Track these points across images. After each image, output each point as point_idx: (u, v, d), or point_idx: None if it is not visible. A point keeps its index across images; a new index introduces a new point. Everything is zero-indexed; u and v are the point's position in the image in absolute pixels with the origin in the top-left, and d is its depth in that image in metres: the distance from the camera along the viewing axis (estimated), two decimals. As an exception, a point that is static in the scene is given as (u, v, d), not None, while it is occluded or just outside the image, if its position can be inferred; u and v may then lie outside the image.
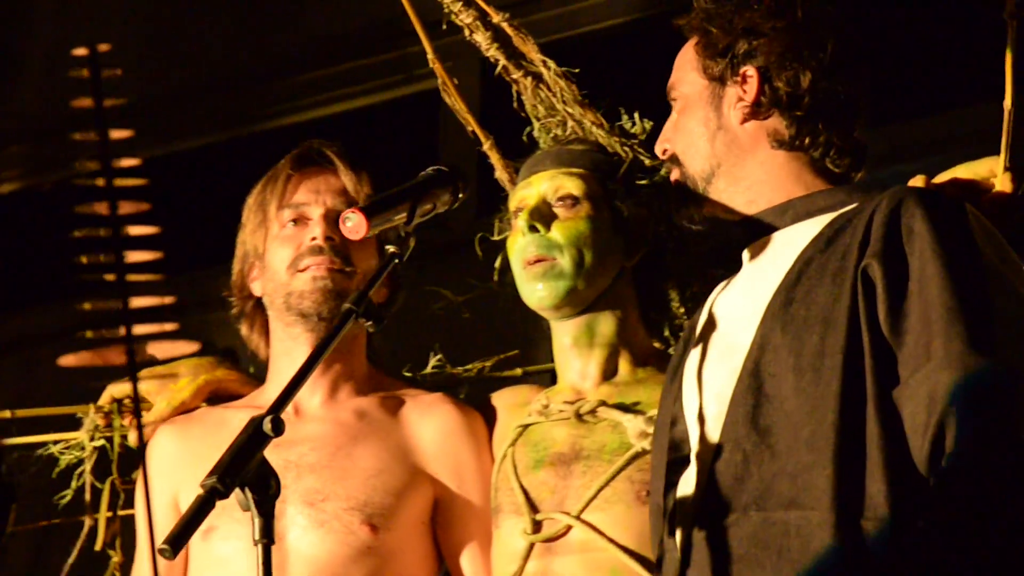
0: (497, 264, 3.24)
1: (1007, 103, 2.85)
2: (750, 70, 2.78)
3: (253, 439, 2.43)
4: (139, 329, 2.10)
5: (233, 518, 3.02)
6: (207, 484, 2.37)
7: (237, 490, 2.41)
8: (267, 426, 2.44)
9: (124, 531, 3.39)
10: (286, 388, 2.52)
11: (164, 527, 3.26)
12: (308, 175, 3.31)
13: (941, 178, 2.83)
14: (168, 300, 2.12)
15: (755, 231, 2.78)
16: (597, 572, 2.98)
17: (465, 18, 3.37)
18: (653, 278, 3.19)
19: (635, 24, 4.76)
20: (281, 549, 3.14)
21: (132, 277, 2.08)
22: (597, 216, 3.11)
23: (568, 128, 3.30)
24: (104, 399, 3.40)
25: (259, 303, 3.35)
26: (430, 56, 3.40)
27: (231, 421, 3.26)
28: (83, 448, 3.42)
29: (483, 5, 3.36)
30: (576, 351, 3.14)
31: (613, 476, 3.01)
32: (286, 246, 3.26)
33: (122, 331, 2.04)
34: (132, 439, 3.38)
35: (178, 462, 3.25)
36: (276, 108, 5.71)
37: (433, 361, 3.45)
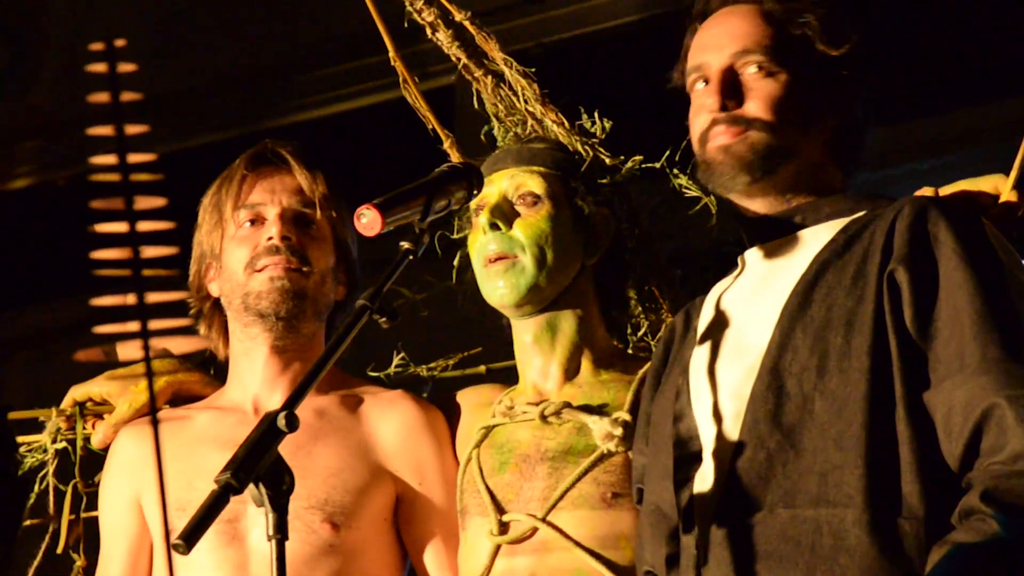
0: (456, 262, 3.25)
1: None
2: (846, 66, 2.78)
3: (267, 435, 2.43)
4: (154, 324, 2.11)
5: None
6: (221, 479, 2.37)
7: (251, 485, 2.41)
8: (281, 422, 2.44)
9: (87, 534, 3.39)
10: (300, 385, 2.52)
11: (124, 528, 3.26)
12: (263, 175, 3.30)
13: (945, 191, 2.83)
14: (183, 295, 2.12)
15: (767, 230, 2.77)
16: (563, 574, 2.99)
17: (427, 16, 3.37)
18: (614, 276, 3.19)
19: (642, 23, 4.75)
20: (243, 549, 3.15)
21: (147, 272, 2.08)
22: (558, 214, 3.11)
23: (528, 127, 3.30)
24: (66, 402, 3.40)
25: (217, 303, 3.34)
26: (391, 55, 3.40)
27: (193, 422, 3.27)
28: (45, 451, 3.41)
29: (446, 4, 3.36)
30: (537, 349, 3.14)
31: (579, 478, 3.01)
32: (243, 246, 3.25)
33: (137, 327, 2.05)
34: (95, 442, 3.36)
35: (140, 464, 3.25)
36: (291, 104, 5.71)
37: (396, 360, 3.45)
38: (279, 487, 2.42)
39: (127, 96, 2.05)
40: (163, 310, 2.17)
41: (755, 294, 2.75)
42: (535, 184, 3.12)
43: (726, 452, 2.63)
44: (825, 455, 2.53)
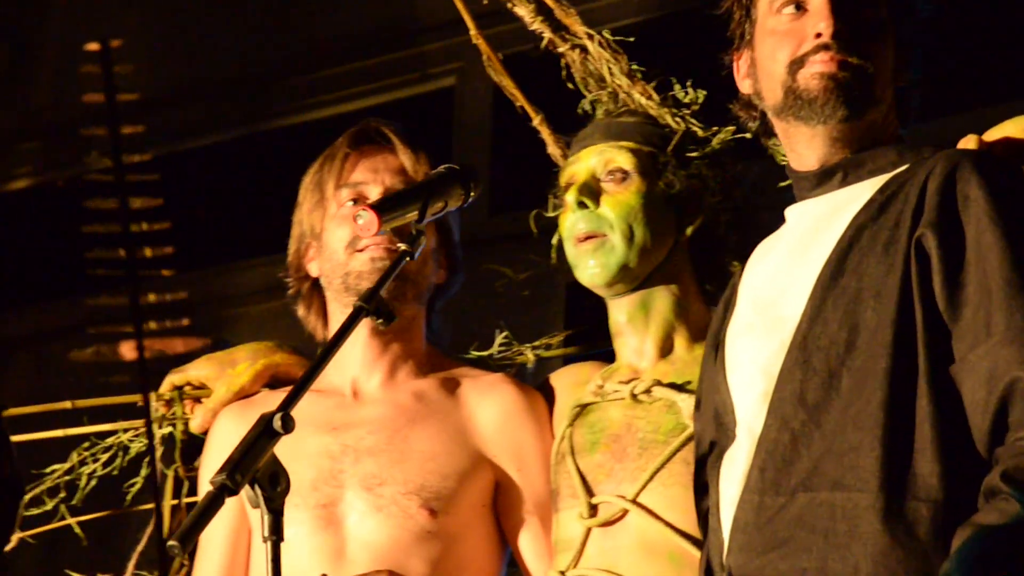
0: (554, 241, 3.18)
1: None
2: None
3: (263, 436, 2.43)
4: (150, 325, 2.10)
5: (292, 504, 3.02)
6: (216, 480, 2.36)
7: (247, 487, 2.40)
8: (277, 423, 2.43)
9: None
10: (297, 384, 2.51)
11: (224, 512, 3.23)
12: (366, 154, 3.26)
13: (991, 135, 2.71)
14: (180, 296, 2.12)
15: (811, 185, 2.68)
16: (654, 555, 2.94)
17: None
18: (709, 250, 3.11)
19: (648, 24, 4.76)
20: (340, 534, 3.12)
21: (143, 272, 2.08)
22: (648, 190, 3.05)
23: (619, 100, 3.22)
24: (165, 387, 3.38)
25: (316, 284, 3.31)
26: (473, 32, 3.34)
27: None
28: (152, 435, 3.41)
29: None
30: (631, 328, 3.08)
31: (669, 458, 2.96)
32: (344, 225, 3.20)
33: (133, 327, 2.05)
34: (194, 426, 3.34)
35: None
36: (291, 105, 5.71)
37: (499, 339, 3.39)
38: (275, 488, 2.42)
39: (123, 97, 2.05)
40: (160, 310, 2.17)
41: (794, 259, 2.65)
42: (623, 160, 3.06)
43: (754, 431, 2.55)
44: (844, 435, 2.44)
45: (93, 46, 2.13)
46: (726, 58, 2.80)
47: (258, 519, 3.10)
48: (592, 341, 3.34)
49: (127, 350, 2.11)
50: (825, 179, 2.66)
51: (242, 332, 4.19)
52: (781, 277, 2.66)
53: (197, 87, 5.79)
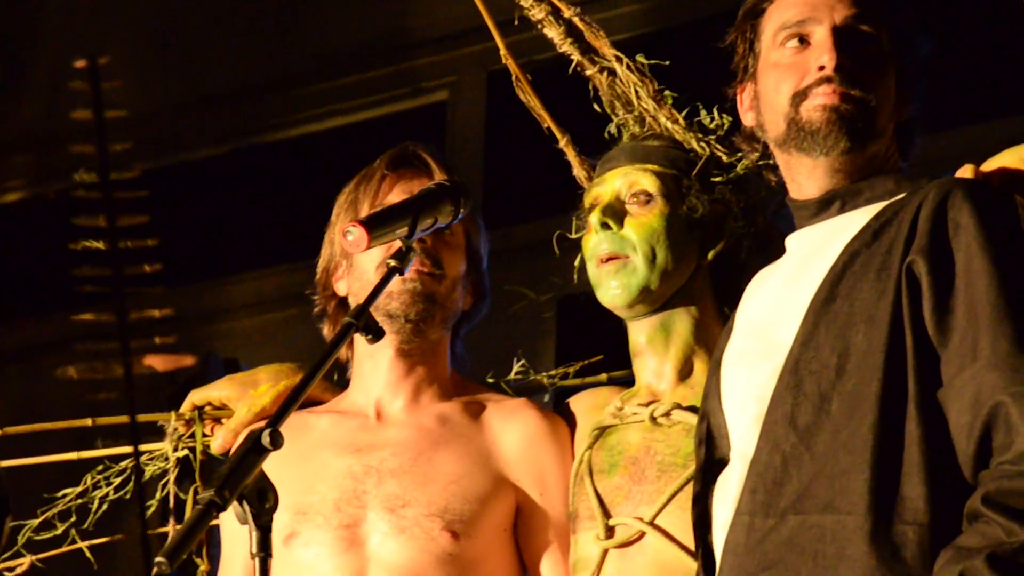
0: (576, 263, 3.20)
1: None
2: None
3: (252, 452, 2.42)
4: (137, 341, 2.10)
5: (315, 524, 3.01)
6: (204, 497, 2.36)
7: (235, 503, 2.40)
8: (266, 439, 2.42)
9: (209, 540, 3.37)
10: (286, 401, 2.50)
11: (244, 533, 3.21)
12: (403, 176, 3.27)
13: (988, 166, 2.73)
14: (166, 312, 2.12)
15: (810, 213, 2.71)
16: None
17: (537, 13, 3.30)
18: (730, 275, 3.12)
19: (639, 39, 4.76)
20: (361, 555, 3.11)
21: (130, 289, 2.07)
22: (671, 213, 3.07)
23: (645, 124, 3.23)
24: (186, 406, 3.38)
25: (342, 303, 3.32)
26: (503, 52, 3.34)
27: (313, 426, 3.24)
28: (167, 459, 3.39)
29: (555, 1, 3.29)
30: (651, 350, 3.10)
31: (687, 481, 2.94)
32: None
33: (119, 343, 2.04)
34: (214, 447, 3.34)
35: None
36: (283, 119, 5.71)
37: (517, 367, 3.40)
38: (263, 505, 2.41)
39: (111, 113, 2.05)
40: (147, 327, 2.16)
41: (789, 285, 2.68)
42: (648, 182, 3.08)
43: (746, 455, 2.57)
44: (835, 458, 2.45)
45: (81, 63, 2.13)
46: (729, 91, 2.84)
47: (279, 536, 3.12)
48: (608, 370, 3.35)
49: (115, 367, 2.10)
50: (823, 207, 2.69)
51: (233, 346, 4.17)
52: (776, 303, 2.68)
53: (189, 101, 5.80)
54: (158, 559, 2.31)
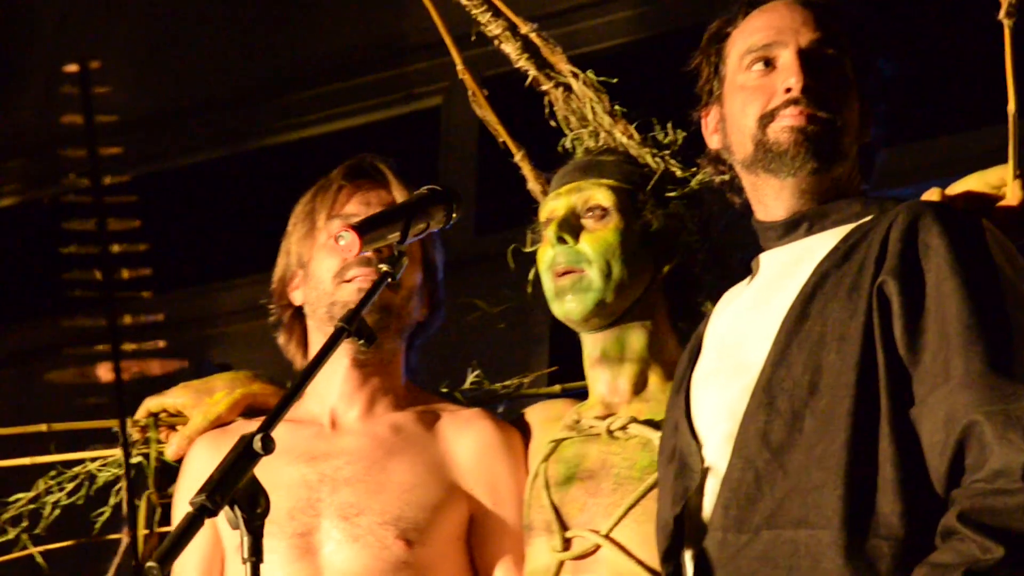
0: (531, 276, 3.21)
1: (1011, 107, 2.78)
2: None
3: (243, 457, 2.42)
4: (128, 345, 2.10)
5: (268, 533, 3.01)
6: (196, 502, 2.36)
7: (227, 508, 2.40)
8: (257, 444, 2.43)
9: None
10: (277, 406, 2.51)
11: (197, 540, 3.23)
12: (360, 187, 3.28)
13: (954, 189, 2.77)
14: (157, 317, 2.12)
15: (777, 235, 2.74)
16: None
17: (494, 29, 3.33)
18: (684, 290, 3.15)
19: (634, 45, 4.76)
20: (315, 563, 3.13)
21: (121, 294, 2.07)
22: (626, 228, 3.08)
23: (600, 139, 3.26)
24: (140, 413, 3.36)
25: (297, 313, 3.33)
26: (460, 67, 3.38)
27: None
28: (120, 465, 3.38)
29: (512, 16, 3.32)
30: (605, 364, 3.11)
31: (643, 494, 2.98)
32: (333, 256, 3.22)
33: (110, 347, 2.04)
34: (169, 454, 3.34)
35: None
36: (277, 125, 5.71)
37: (471, 377, 3.42)
38: (254, 509, 2.41)
39: (101, 118, 2.05)
40: (137, 331, 2.16)
41: (759, 305, 2.70)
42: (603, 197, 3.09)
43: (719, 472, 2.59)
44: (808, 475, 2.48)
45: (72, 67, 2.13)
46: (695, 114, 2.87)
47: (232, 544, 3.13)
48: (563, 381, 3.37)
49: (104, 372, 2.10)
50: (791, 229, 2.71)
51: (226, 351, 4.16)
52: (746, 323, 2.70)
53: (183, 107, 5.79)
54: (149, 564, 2.31)
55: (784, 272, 2.69)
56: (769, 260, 2.75)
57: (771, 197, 2.73)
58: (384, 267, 2.66)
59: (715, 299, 3.06)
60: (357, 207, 3.25)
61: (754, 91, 2.72)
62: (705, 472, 2.64)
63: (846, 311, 2.53)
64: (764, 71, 2.72)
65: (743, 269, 3.04)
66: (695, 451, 2.67)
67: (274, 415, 2.49)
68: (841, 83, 2.71)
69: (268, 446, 2.43)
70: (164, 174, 5.61)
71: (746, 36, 2.76)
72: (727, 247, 3.16)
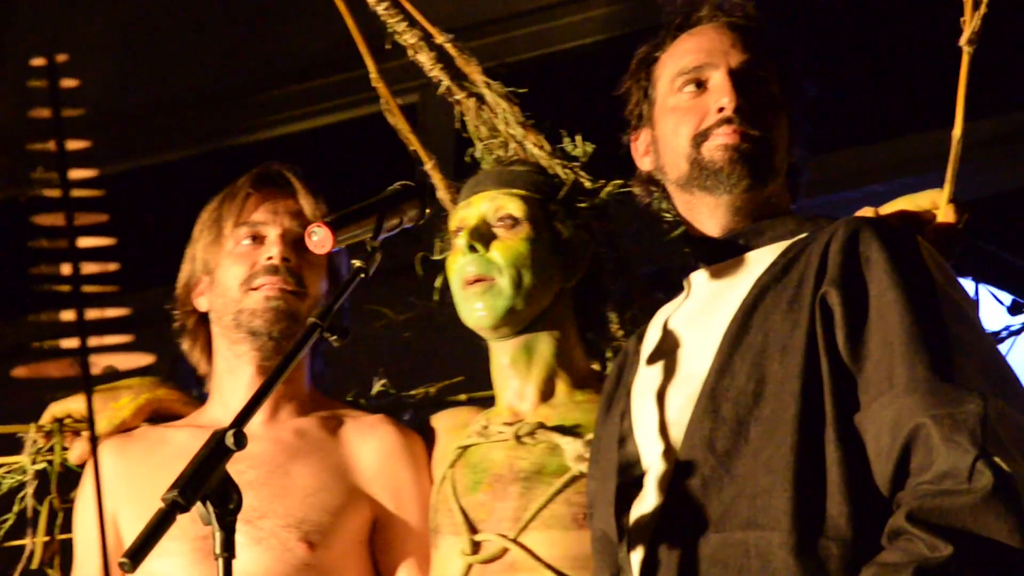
0: (437, 284, 3.25)
1: (956, 132, 2.85)
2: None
3: (215, 453, 2.42)
4: (94, 341, 2.10)
5: (171, 536, 3.02)
6: (168, 497, 2.36)
7: (199, 503, 2.40)
8: (229, 440, 2.43)
9: (65, 553, 3.37)
10: (249, 402, 2.51)
11: (99, 544, 3.25)
12: (267, 195, 3.31)
13: (886, 209, 2.85)
14: (123, 312, 2.12)
15: (714, 252, 2.79)
16: None
17: (409, 38, 3.38)
18: (592, 300, 3.20)
19: (609, 43, 4.77)
20: (217, 566, 3.13)
21: (88, 289, 2.07)
22: (537, 237, 3.11)
23: (510, 149, 3.30)
24: (45, 418, 3.39)
25: (201, 319, 3.35)
26: (373, 76, 3.41)
27: (172, 440, 3.27)
28: (25, 471, 3.40)
29: (427, 26, 3.36)
30: (514, 371, 3.14)
31: (551, 499, 3.01)
32: (240, 263, 3.26)
33: (77, 343, 2.04)
34: (72, 458, 3.36)
35: (117, 481, 3.24)
36: (255, 122, 5.70)
37: (378, 386, 3.45)
38: (226, 505, 2.41)
39: (68, 112, 2.05)
40: (106, 327, 2.16)
41: (699, 319, 2.75)
42: (514, 207, 3.13)
43: (663, 479, 2.63)
44: (755, 479, 2.52)
45: (39, 61, 2.13)
46: (624, 138, 2.92)
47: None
48: (469, 390, 3.40)
49: (65, 368, 2.10)
50: (728, 245, 2.77)
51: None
52: (686, 336, 2.75)
53: (160, 104, 5.78)
54: (121, 560, 2.31)
55: (723, 287, 2.74)
56: (704, 277, 2.80)
57: (706, 215, 2.79)
58: (358, 263, 2.66)
59: (620, 310, 3.17)
60: (264, 215, 3.29)
61: (686, 112, 2.78)
62: (648, 481, 2.67)
63: (787, 322, 2.59)
64: (696, 92, 2.78)
65: (648, 281, 3.15)
66: (637, 462, 2.71)
67: (247, 410, 2.49)
68: (770, 103, 2.78)
69: (240, 441, 2.43)
70: (139, 171, 5.61)
71: (676, 59, 2.83)
72: (633, 259, 3.22)
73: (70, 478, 3.37)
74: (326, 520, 3.16)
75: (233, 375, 3.28)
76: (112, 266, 2.10)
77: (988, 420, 2.40)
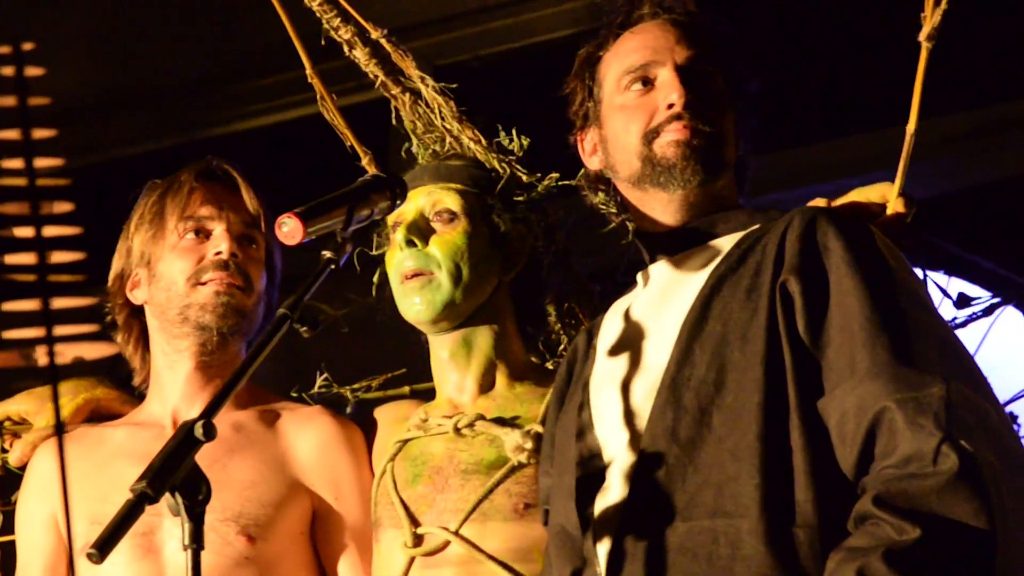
0: (375, 279, 3.25)
1: (910, 127, 2.87)
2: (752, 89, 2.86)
3: (184, 443, 2.41)
4: (60, 330, 2.09)
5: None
6: (137, 488, 2.35)
7: (167, 494, 2.39)
8: (198, 431, 2.42)
9: (7, 555, 3.37)
10: (219, 393, 2.50)
11: (41, 545, 3.25)
12: (211, 190, 3.31)
13: (838, 201, 2.87)
14: (90, 301, 2.11)
15: (668, 245, 2.81)
16: None
17: (344, 34, 3.38)
18: (530, 292, 3.21)
19: (578, 37, 4.76)
20: (158, 561, 3.15)
21: (54, 278, 2.06)
22: (475, 231, 3.13)
23: (447, 144, 3.31)
24: None
25: (134, 313, 3.34)
26: (309, 72, 3.41)
27: (109, 439, 3.27)
28: None
29: (362, 22, 3.37)
30: (453, 364, 3.16)
31: (491, 490, 3.03)
32: (185, 258, 3.25)
33: (43, 332, 2.03)
34: (12, 460, 3.35)
35: (57, 480, 3.24)
36: (228, 114, 5.69)
37: (320, 381, 3.44)
38: (195, 496, 2.41)
39: (34, 101, 2.04)
40: (70, 315, 2.15)
41: (656, 311, 2.76)
42: (451, 201, 3.14)
43: (627, 470, 2.63)
44: (721, 467, 2.53)
45: (3, 49, 2.12)
46: (569, 138, 2.93)
47: (79, 546, 3.12)
48: (411, 382, 3.40)
49: (38, 355, 2.09)
50: (682, 239, 2.78)
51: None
52: (643, 328, 2.76)
53: (132, 95, 5.76)
54: (90, 551, 2.31)
55: (678, 279, 2.75)
56: (659, 270, 2.81)
57: (659, 211, 2.80)
58: (328, 254, 2.65)
59: (558, 302, 3.20)
60: (210, 209, 3.28)
61: (635, 110, 2.79)
62: (611, 472, 2.67)
63: (746, 311, 2.60)
64: (643, 90, 2.79)
65: (585, 275, 3.18)
66: (598, 454, 2.71)
67: (216, 402, 2.48)
68: (717, 98, 2.79)
69: (209, 432, 2.42)
70: (106, 164, 5.59)
71: (621, 58, 2.84)
72: (571, 252, 3.24)
73: (10, 480, 3.35)
74: (265, 513, 3.16)
75: (172, 370, 3.27)
76: (78, 255, 2.09)
77: (951, 403, 2.42)
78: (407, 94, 3.35)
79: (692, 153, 2.74)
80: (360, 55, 3.37)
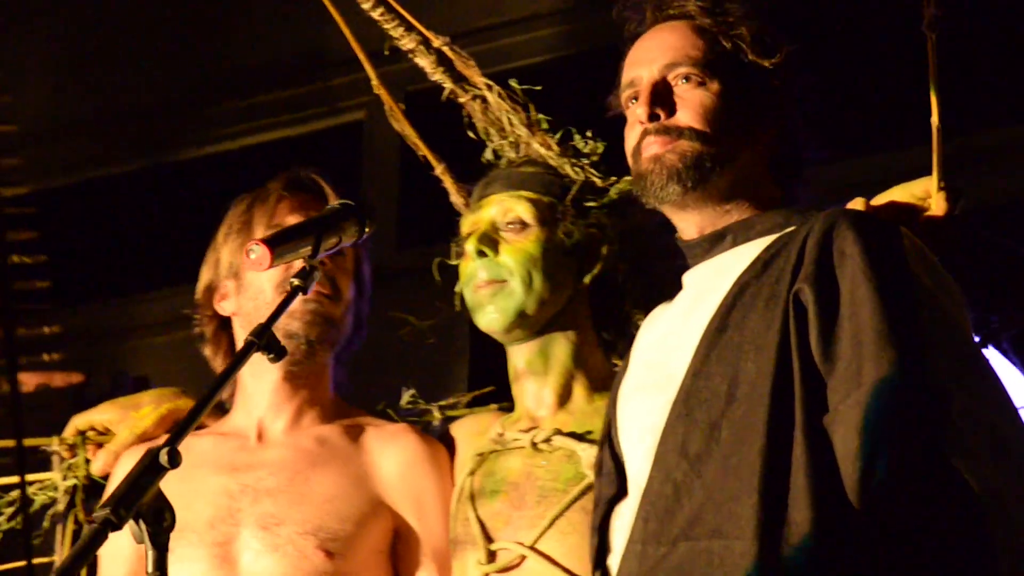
0: (458, 289, 3.21)
1: (934, 120, 2.77)
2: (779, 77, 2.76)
3: (148, 470, 2.40)
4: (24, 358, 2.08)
5: (188, 542, 3.07)
6: (100, 515, 2.34)
7: (131, 522, 2.38)
8: (163, 458, 2.40)
9: (91, 566, 3.35)
10: (185, 419, 2.47)
11: (123, 554, 3.23)
12: (298, 199, 3.29)
13: (879, 200, 2.77)
14: (54, 329, 2.10)
15: (700, 250, 2.74)
16: None
17: (408, 43, 3.35)
18: (608, 299, 3.16)
19: (554, 63, 4.79)
20: (234, 572, 3.13)
21: (19, 306, 2.06)
22: (547, 238, 3.10)
23: (520, 150, 3.27)
24: (68, 431, 3.38)
25: (222, 325, 3.32)
26: (375, 83, 3.38)
27: (194, 448, 3.23)
28: (56, 488, 3.39)
29: (423, 31, 3.34)
30: (530, 375, 3.13)
31: (568, 506, 3.00)
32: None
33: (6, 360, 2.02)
34: (95, 470, 3.35)
35: None
36: (198, 136, 5.68)
37: (407, 396, 3.42)
38: (160, 524, 2.39)
39: (1, 128, 2.04)
40: (35, 344, 2.15)
41: (682, 320, 2.70)
42: (523, 210, 3.11)
43: (641, 484, 2.58)
44: (724, 484, 2.47)
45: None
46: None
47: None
48: (499, 400, 3.34)
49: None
50: (715, 243, 2.72)
51: (144, 363, 4.12)
52: (670, 337, 2.70)
53: (104, 117, 5.76)
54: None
55: (707, 286, 2.69)
56: (695, 275, 2.75)
57: (675, 220, 2.75)
58: (296, 281, 2.65)
59: (642, 307, 3.08)
60: (298, 219, 3.24)
61: (630, 127, 2.76)
62: (628, 485, 2.65)
63: (763, 321, 2.53)
64: (635, 104, 2.75)
65: (669, 277, 3.05)
66: (620, 466, 2.68)
67: (181, 429, 2.46)
68: (700, 102, 2.70)
69: (174, 460, 2.41)
70: (83, 185, 5.57)
71: (624, 72, 2.79)
72: (651, 256, 3.16)
73: (98, 493, 3.34)
74: (344, 528, 3.14)
75: (258, 380, 3.25)
76: (43, 283, 2.09)
77: (952, 424, 2.36)
78: (477, 101, 3.31)
79: (661, 168, 2.68)
80: (425, 63, 3.33)
